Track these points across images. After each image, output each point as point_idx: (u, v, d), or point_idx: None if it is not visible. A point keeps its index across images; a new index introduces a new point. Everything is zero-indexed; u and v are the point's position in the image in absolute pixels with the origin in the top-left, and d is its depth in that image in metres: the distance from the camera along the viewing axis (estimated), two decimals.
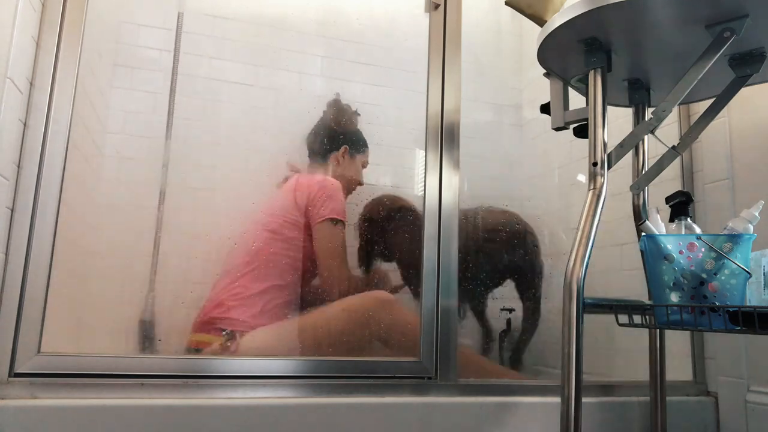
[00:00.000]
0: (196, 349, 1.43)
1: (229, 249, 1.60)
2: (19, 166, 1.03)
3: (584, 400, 0.87)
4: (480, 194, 1.86)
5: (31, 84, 1.05)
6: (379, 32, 2.04)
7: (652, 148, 1.24)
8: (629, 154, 1.13)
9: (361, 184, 1.76)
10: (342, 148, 1.74)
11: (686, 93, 0.94)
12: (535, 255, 1.67)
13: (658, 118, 0.97)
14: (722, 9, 0.89)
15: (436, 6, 1.33)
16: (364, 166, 1.80)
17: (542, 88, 1.21)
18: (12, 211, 1.02)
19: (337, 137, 1.76)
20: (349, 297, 1.50)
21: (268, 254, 1.56)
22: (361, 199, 1.78)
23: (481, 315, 1.64)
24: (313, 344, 1.40)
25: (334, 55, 1.99)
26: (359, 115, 1.85)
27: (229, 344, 1.38)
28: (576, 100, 1.17)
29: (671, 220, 1.01)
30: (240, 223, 1.72)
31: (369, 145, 1.82)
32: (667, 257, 0.91)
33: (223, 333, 1.39)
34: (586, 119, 1.02)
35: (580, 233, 0.92)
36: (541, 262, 1.68)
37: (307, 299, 1.58)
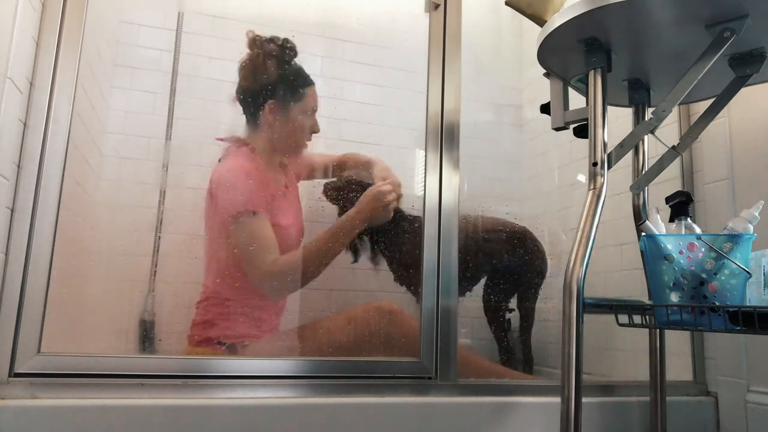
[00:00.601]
0: None
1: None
2: (19, 166, 1.03)
3: (584, 400, 0.87)
4: (480, 194, 1.87)
5: (31, 84, 1.05)
6: (379, 32, 2.04)
7: (652, 148, 1.24)
8: (629, 154, 1.13)
9: (315, 131, 1.51)
10: (267, 106, 1.44)
11: (686, 93, 0.94)
12: (535, 259, 1.66)
13: (658, 118, 0.97)
14: (722, 9, 0.89)
15: (436, 6, 1.33)
16: (310, 111, 1.49)
17: (542, 88, 1.21)
18: (12, 211, 1.02)
19: (262, 92, 1.45)
20: (354, 308, 1.44)
21: (213, 261, 1.44)
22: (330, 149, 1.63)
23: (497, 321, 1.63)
24: (317, 354, 1.36)
25: (334, 55, 1.99)
26: (287, 46, 1.48)
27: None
28: (576, 100, 1.17)
29: (671, 220, 1.01)
30: None
31: (312, 83, 1.50)
32: (667, 257, 0.91)
33: (224, 347, 1.36)
34: (586, 119, 1.02)
35: (580, 233, 0.92)
36: (539, 267, 1.67)
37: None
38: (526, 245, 1.64)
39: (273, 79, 1.45)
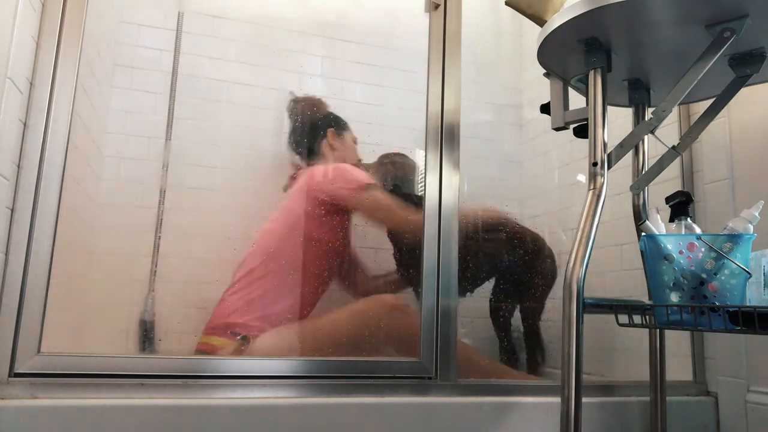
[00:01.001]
0: (203, 352, 1.42)
1: (242, 253, 1.60)
2: (19, 166, 1.03)
3: (584, 400, 0.87)
4: (480, 194, 1.87)
5: (31, 84, 1.05)
6: (379, 32, 2.04)
7: (652, 148, 1.24)
8: (629, 154, 1.13)
9: (360, 160, 1.75)
10: (329, 132, 1.73)
11: (686, 93, 0.94)
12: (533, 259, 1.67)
13: (658, 118, 0.97)
14: (722, 9, 0.89)
15: (436, 6, 1.33)
16: (355, 142, 1.79)
17: (542, 88, 1.21)
18: (12, 211, 1.01)
19: (317, 127, 1.75)
20: (359, 302, 1.49)
21: (278, 259, 1.54)
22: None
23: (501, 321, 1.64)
24: (321, 348, 1.39)
25: (334, 55, 1.99)
26: (322, 100, 1.84)
27: (243, 349, 1.37)
28: (576, 100, 1.17)
29: (671, 220, 1.01)
30: (241, 223, 1.73)
31: (366, 146, 1.81)
32: (667, 257, 0.91)
33: (239, 338, 1.38)
34: (586, 119, 1.02)
35: (580, 233, 0.92)
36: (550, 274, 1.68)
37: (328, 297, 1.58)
38: (541, 253, 1.65)
39: (326, 114, 1.79)
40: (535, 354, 1.63)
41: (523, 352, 1.64)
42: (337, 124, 1.77)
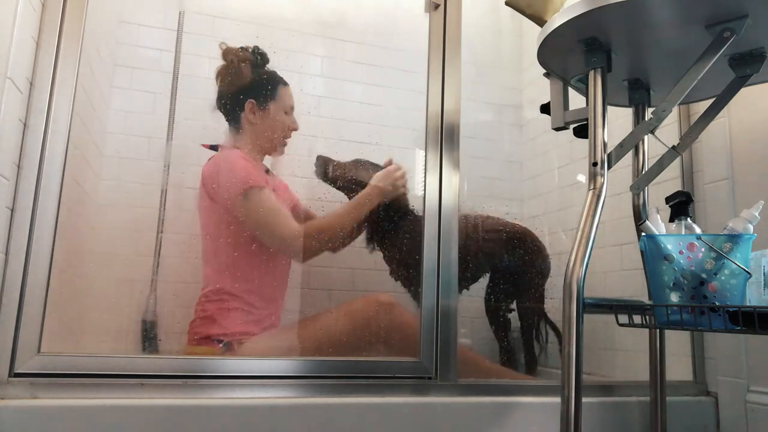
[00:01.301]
0: None
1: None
2: (19, 166, 1.03)
3: (584, 400, 0.87)
4: (480, 194, 1.87)
5: (31, 84, 1.05)
6: (379, 32, 2.04)
7: (652, 148, 1.24)
8: (629, 154, 1.13)
9: (294, 128, 1.57)
10: (247, 106, 1.51)
11: (686, 93, 0.94)
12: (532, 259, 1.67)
13: (658, 118, 0.97)
14: (722, 9, 0.89)
15: (436, 6, 1.33)
16: (286, 110, 1.56)
17: (542, 88, 1.21)
18: (12, 211, 1.02)
19: (240, 95, 1.53)
20: (353, 301, 1.46)
21: (212, 257, 1.47)
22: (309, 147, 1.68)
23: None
24: (315, 349, 1.37)
25: (334, 55, 1.99)
26: (258, 53, 1.57)
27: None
28: (576, 100, 1.17)
29: (671, 220, 1.01)
30: None
31: (286, 83, 1.58)
32: (667, 257, 0.91)
33: (221, 345, 1.37)
34: (586, 119, 1.02)
35: (580, 233, 0.92)
36: (540, 266, 1.67)
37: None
38: (526, 245, 1.64)
39: (248, 82, 1.54)
40: (532, 353, 1.62)
41: (521, 352, 1.63)
42: (262, 93, 1.53)
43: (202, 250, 1.49)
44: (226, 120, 1.56)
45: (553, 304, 1.67)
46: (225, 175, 1.44)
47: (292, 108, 1.57)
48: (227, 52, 1.56)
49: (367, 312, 1.40)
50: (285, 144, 1.58)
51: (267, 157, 1.59)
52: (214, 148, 1.52)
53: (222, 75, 1.56)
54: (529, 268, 1.63)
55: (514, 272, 1.64)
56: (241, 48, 1.56)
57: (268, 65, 1.59)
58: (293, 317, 1.60)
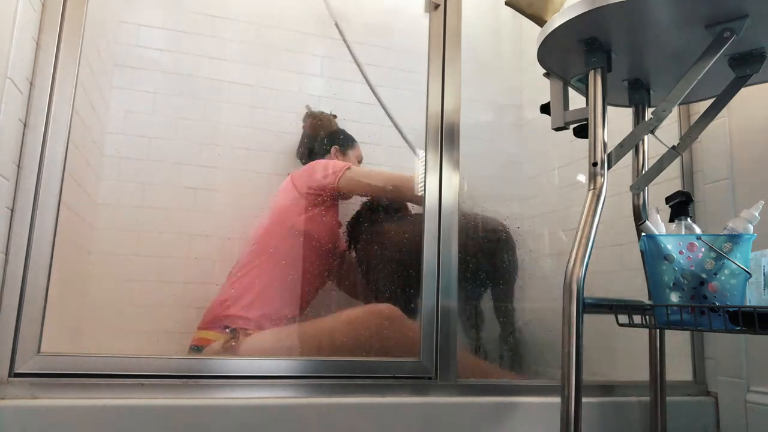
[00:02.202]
0: (197, 347, 1.43)
1: (239, 249, 1.63)
2: (19, 166, 1.03)
3: (584, 400, 0.87)
4: (480, 194, 1.86)
5: (31, 84, 1.05)
6: (379, 32, 2.04)
7: (652, 148, 1.24)
8: (629, 154, 1.13)
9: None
10: (332, 149, 1.81)
11: (686, 93, 0.94)
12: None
13: (658, 118, 0.97)
14: (722, 9, 0.89)
15: (436, 6, 1.33)
16: (359, 160, 1.85)
17: (542, 88, 1.21)
18: (12, 211, 1.01)
19: (323, 143, 1.83)
20: (354, 309, 1.48)
21: (268, 253, 1.56)
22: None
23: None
24: (315, 353, 1.40)
25: (334, 55, 1.99)
26: (335, 116, 1.90)
27: (233, 343, 1.38)
28: (576, 100, 1.17)
29: (671, 220, 1.01)
30: (241, 223, 1.73)
31: (358, 142, 1.87)
32: (667, 257, 0.91)
33: (227, 330, 1.39)
34: (586, 119, 1.02)
35: (580, 233, 0.92)
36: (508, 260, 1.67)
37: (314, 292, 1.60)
38: (499, 239, 1.64)
39: (333, 131, 1.87)
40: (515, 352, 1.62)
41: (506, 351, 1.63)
42: (343, 142, 1.84)
43: (261, 237, 1.60)
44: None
45: (553, 305, 1.67)
46: (317, 168, 1.68)
47: (360, 161, 1.88)
48: (312, 113, 1.90)
49: (368, 322, 1.40)
50: None
51: None
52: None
53: (310, 125, 1.88)
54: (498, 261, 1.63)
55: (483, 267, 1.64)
56: (321, 112, 1.91)
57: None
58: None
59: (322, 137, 1.85)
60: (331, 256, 1.67)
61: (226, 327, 1.41)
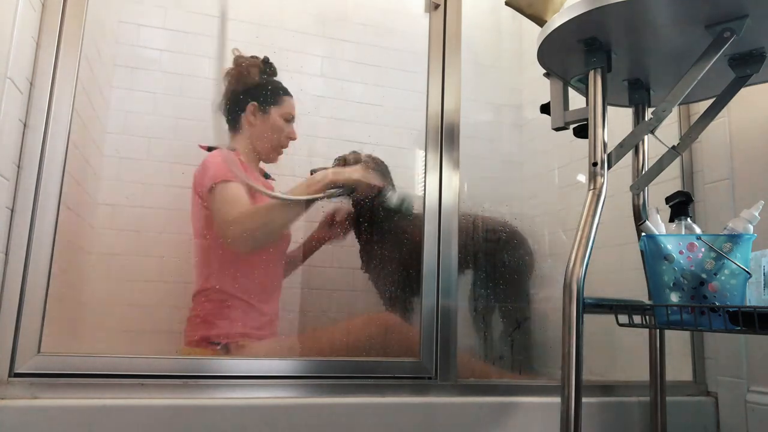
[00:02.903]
0: None
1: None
2: (19, 166, 1.03)
3: (584, 400, 0.87)
4: (480, 194, 1.86)
5: (31, 84, 1.05)
6: (379, 32, 2.04)
7: (652, 148, 1.24)
8: (629, 154, 1.13)
9: (292, 138, 1.59)
10: (249, 107, 1.54)
11: (686, 93, 0.94)
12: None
13: (658, 118, 0.97)
14: (722, 9, 0.89)
15: (436, 6, 1.33)
16: (287, 118, 1.58)
17: (542, 88, 1.21)
18: (12, 211, 1.02)
19: (243, 97, 1.55)
20: (355, 319, 1.45)
21: (206, 257, 1.47)
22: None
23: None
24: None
25: (334, 55, 1.99)
26: (268, 63, 1.62)
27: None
28: (576, 100, 1.17)
29: (671, 220, 1.01)
30: None
31: (290, 95, 1.61)
32: (667, 257, 0.91)
33: (218, 347, 1.37)
34: (586, 119, 1.02)
35: (580, 233, 0.92)
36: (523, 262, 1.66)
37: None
38: (513, 244, 1.63)
39: (253, 85, 1.57)
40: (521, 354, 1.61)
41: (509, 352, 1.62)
42: (265, 97, 1.56)
43: (195, 251, 1.49)
44: (227, 121, 1.57)
45: (552, 305, 1.67)
46: (201, 174, 1.46)
47: (293, 118, 1.59)
48: (239, 58, 1.60)
49: (370, 333, 1.37)
50: (281, 152, 1.60)
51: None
52: (210, 149, 1.53)
53: (230, 76, 1.59)
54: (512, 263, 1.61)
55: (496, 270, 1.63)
56: (253, 56, 1.61)
57: (275, 77, 1.62)
58: (293, 317, 1.60)
59: (243, 90, 1.56)
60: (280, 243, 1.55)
61: (215, 344, 1.37)
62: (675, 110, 1.47)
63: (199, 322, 1.40)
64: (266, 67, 1.60)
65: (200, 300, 1.43)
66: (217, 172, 1.43)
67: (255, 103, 1.54)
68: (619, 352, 1.63)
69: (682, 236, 0.94)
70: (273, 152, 1.58)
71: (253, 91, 1.56)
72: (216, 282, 1.43)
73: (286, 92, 1.60)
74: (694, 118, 1.30)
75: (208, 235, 1.44)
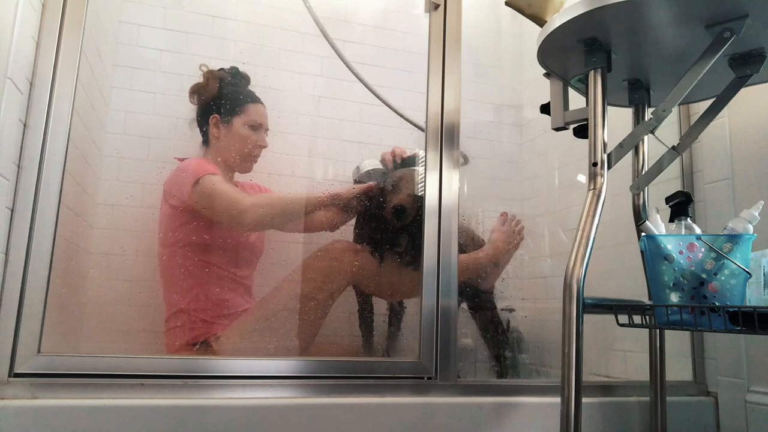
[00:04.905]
0: None
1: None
2: (19, 166, 1.03)
3: (584, 400, 0.87)
4: (480, 194, 1.87)
5: (31, 84, 1.05)
6: (379, 32, 2.04)
7: (652, 148, 1.24)
8: (629, 154, 1.13)
9: (261, 146, 1.57)
10: (211, 120, 1.53)
11: (686, 93, 0.94)
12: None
13: (658, 118, 0.97)
14: (722, 9, 0.89)
15: (436, 6, 1.33)
16: (252, 125, 1.54)
17: (542, 88, 1.21)
18: (12, 211, 1.02)
19: (206, 110, 1.55)
20: (314, 253, 1.45)
21: (174, 267, 1.47)
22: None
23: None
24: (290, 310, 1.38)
25: (334, 55, 1.99)
26: (237, 73, 1.60)
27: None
28: (576, 100, 1.17)
29: (671, 220, 1.01)
30: None
31: (261, 103, 1.59)
32: (667, 257, 0.91)
33: (197, 348, 1.37)
34: (586, 119, 1.02)
35: (580, 233, 0.92)
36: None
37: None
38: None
39: (214, 97, 1.55)
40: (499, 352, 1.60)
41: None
42: (226, 108, 1.53)
43: (162, 272, 1.49)
44: (201, 135, 1.59)
45: (552, 305, 1.67)
46: (178, 175, 1.46)
47: (261, 126, 1.57)
48: (206, 73, 1.60)
49: (331, 258, 1.41)
50: (255, 161, 1.59)
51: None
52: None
53: (192, 91, 1.60)
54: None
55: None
56: (221, 69, 1.60)
57: (249, 86, 1.62)
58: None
59: (202, 106, 1.55)
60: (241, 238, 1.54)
61: (194, 344, 1.38)
62: (675, 110, 1.47)
63: (177, 331, 1.42)
64: (234, 77, 1.59)
65: (178, 325, 1.43)
66: (198, 168, 1.43)
67: (216, 115, 1.53)
68: (619, 352, 1.63)
69: (682, 236, 0.94)
70: (244, 162, 1.57)
71: (214, 103, 1.55)
72: (190, 303, 1.43)
73: (253, 99, 1.58)
74: (694, 118, 1.31)
75: (185, 250, 1.45)
